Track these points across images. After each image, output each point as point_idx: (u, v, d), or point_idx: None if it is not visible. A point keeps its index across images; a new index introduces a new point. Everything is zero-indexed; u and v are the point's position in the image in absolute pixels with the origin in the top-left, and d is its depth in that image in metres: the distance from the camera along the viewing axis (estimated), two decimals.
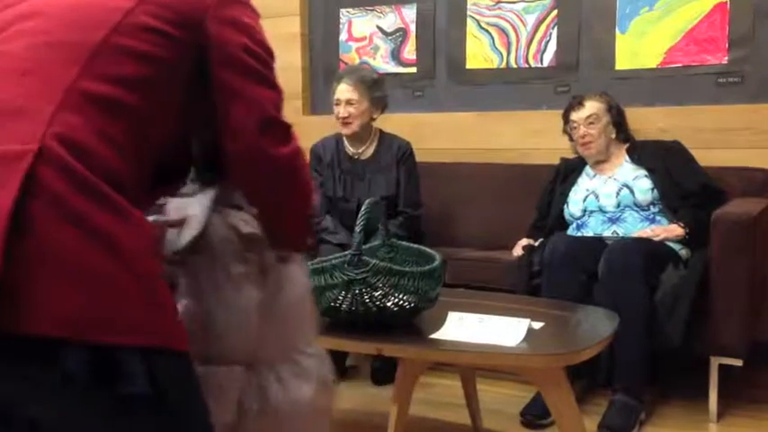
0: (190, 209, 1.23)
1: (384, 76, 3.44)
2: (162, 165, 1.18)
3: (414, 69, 3.96)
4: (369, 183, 3.28)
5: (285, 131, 1.24)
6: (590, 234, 2.96)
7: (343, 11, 4.10)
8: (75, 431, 0.98)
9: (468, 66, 3.82)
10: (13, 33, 1.11)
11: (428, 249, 2.38)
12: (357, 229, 2.11)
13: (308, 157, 3.40)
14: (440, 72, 3.90)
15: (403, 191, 3.27)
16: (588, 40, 3.56)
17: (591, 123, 3.05)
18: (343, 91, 3.23)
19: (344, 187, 3.29)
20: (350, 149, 3.33)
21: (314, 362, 1.33)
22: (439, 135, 3.83)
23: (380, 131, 3.36)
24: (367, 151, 3.32)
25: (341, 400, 2.90)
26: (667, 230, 2.84)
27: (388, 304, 2.10)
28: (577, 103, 3.11)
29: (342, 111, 3.23)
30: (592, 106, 3.07)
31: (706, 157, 3.08)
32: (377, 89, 3.26)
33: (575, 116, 3.09)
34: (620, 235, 2.90)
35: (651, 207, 2.95)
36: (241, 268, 1.24)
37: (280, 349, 1.29)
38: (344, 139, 3.33)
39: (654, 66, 3.44)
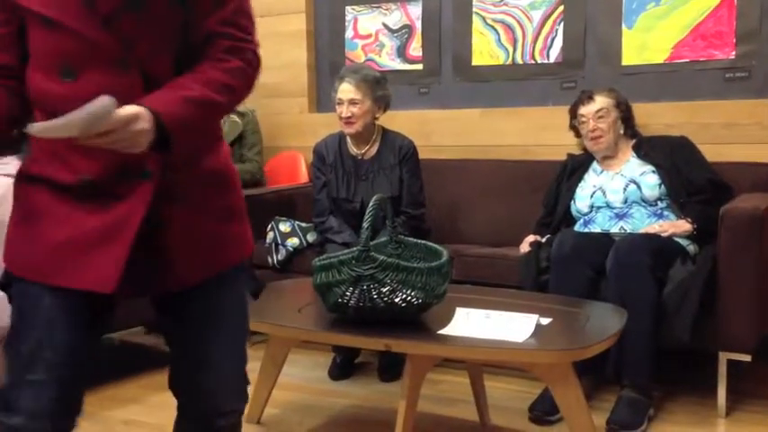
0: None
1: (386, 75, 3.40)
2: None
3: (419, 66, 3.96)
4: (371, 183, 3.24)
5: None
6: (597, 230, 2.96)
7: (348, 8, 4.10)
8: None
9: (474, 62, 3.82)
10: None
11: (435, 245, 2.37)
12: (365, 224, 2.11)
13: (312, 156, 3.40)
14: (445, 69, 3.90)
15: (405, 190, 3.24)
16: (594, 35, 3.56)
17: (600, 117, 3.04)
18: (346, 90, 3.20)
19: (347, 188, 3.26)
20: (353, 149, 3.30)
21: None
22: (445, 132, 3.82)
23: (383, 130, 3.32)
24: (370, 151, 3.29)
25: (348, 397, 2.90)
26: (675, 226, 2.83)
27: (396, 300, 2.10)
28: (587, 97, 3.10)
29: (344, 111, 3.19)
30: (601, 101, 3.06)
31: (713, 153, 3.07)
32: (379, 88, 3.23)
33: (584, 110, 3.08)
34: (628, 231, 2.89)
35: (658, 203, 2.94)
36: None
37: None
38: (347, 138, 3.30)
39: (661, 61, 3.43)
